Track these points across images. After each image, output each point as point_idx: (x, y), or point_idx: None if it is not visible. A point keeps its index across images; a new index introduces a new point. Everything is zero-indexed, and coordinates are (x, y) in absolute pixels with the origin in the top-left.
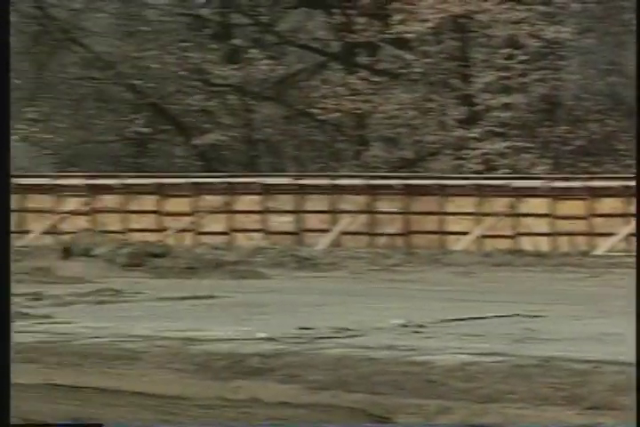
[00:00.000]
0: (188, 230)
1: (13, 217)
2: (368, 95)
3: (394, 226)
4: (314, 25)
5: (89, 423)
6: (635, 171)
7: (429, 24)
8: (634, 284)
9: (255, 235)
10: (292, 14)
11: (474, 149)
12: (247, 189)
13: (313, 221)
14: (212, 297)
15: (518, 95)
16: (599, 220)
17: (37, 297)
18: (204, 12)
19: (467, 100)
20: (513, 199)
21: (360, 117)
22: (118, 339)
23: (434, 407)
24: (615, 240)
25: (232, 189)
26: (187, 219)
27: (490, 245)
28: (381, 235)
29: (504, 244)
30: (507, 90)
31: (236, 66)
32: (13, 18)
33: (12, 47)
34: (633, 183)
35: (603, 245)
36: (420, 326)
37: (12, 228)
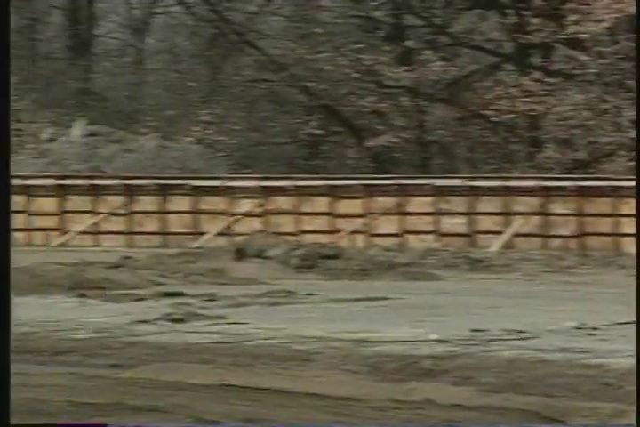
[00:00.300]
0: (361, 232)
1: (189, 219)
2: (542, 96)
3: (567, 228)
4: (487, 26)
5: (92, 424)
6: (635, 171)
7: (605, 24)
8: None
9: (427, 236)
10: (465, 15)
11: None
12: (419, 191)
13: (485, 222)
14: (384, 299)
15: None
16: None
17: (212, 298)
18: (378, 13)
19: None
20: None
21: (534, 119)
22: (291, 340)
23: (609, 410)
24: None
25: (404, 191)
26: (359, 220)
27: None
28: (555, 237)
29: None
30: None
31: (408, 67)
32: (190, 21)
33: (187, 50)
34: None
35: None
36: (595, 329)
37: (188, 229)
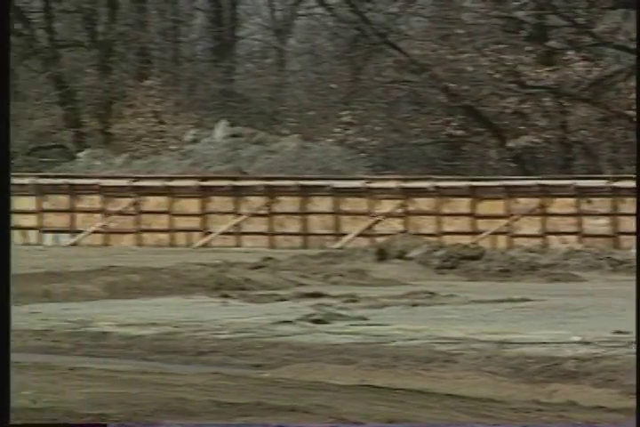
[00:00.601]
0: (502, 233)
1: (330, 219)
2: None
3: None
4: (631, 26)
5: (92, 423)
6: (635, 171)
7: None
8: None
9: (570, 237)
10: (609, 15)
11: None
12: (562, 192)
13: (629, 223)
14: (526, 300)
15: None
16: None
17: (353, 299)
18: (520, 13)
19: None
20: None
21: None
22: (432, 341)
23: None
24: None
25: (546, 192)
26: (500, 221)
27: None
28: None
29: None
30: None
31: (551, 68)
32: (332, 23)
33: (328, 51)
34: None
35: None
36: None
37: (329, 230)
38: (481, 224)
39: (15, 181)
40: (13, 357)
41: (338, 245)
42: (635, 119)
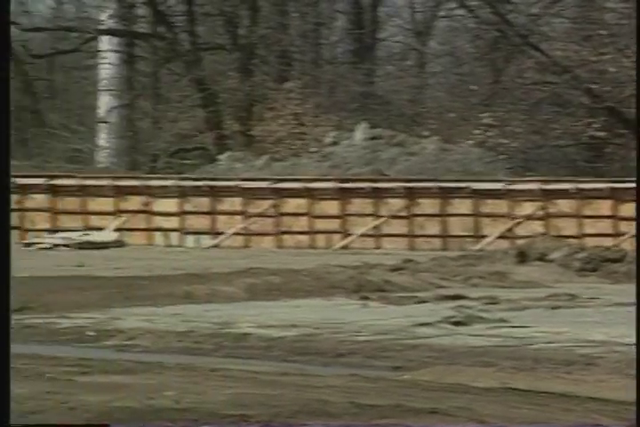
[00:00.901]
0: None
1: (470, 221)
2: None
3: None
4: None
5: (95, 424)
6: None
7: None
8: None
9: None
10: None
11: None
12: None
13: None
14: None
15: None
16: None
17: (493, 301)
18: None
19: None
20: None
21: None
22: (574, 344)
23: None
24: None
25: None
26: None
27: None
28: None
29: None
30: None
31: None
32: (472, 24)
33: (469, 53)
34: None
35: None
36: None
37: (469, 232)
38: (623, 226)
39: (157, 183)
40: (157, 357)
41: (478, 247)
42: None
